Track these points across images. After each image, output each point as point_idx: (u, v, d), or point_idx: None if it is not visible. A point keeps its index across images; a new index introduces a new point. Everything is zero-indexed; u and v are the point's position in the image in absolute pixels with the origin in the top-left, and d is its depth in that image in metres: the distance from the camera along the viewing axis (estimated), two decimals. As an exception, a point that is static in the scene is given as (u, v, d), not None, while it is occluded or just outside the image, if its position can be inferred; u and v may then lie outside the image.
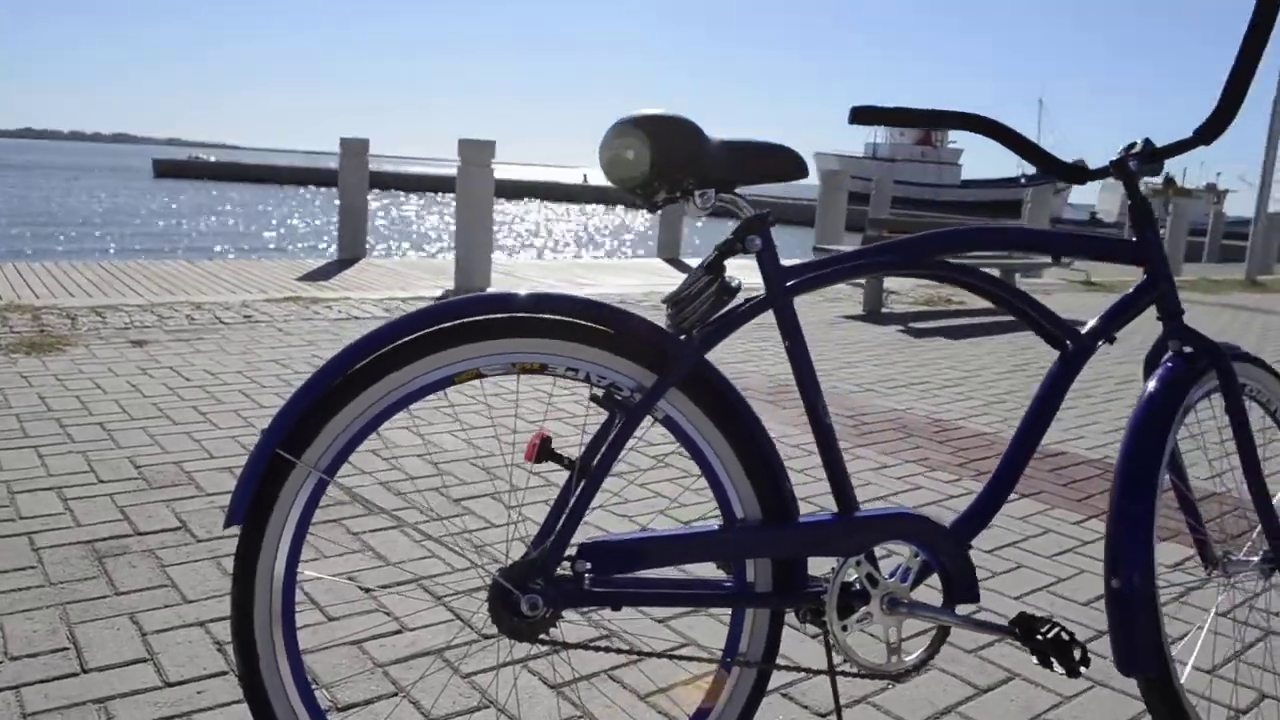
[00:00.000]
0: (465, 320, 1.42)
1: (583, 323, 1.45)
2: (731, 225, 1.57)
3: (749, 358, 5.60)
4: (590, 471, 1.45)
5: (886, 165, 53.97)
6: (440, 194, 55.02)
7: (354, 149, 9.60)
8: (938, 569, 1.59)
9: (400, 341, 1.40)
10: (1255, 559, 1.85)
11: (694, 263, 11.02)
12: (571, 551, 1.45)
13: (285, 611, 1.41)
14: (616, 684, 2.04)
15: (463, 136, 8.19)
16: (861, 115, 1.66)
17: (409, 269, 9.16)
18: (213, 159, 68.30)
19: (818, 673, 1.62)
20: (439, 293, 7.48)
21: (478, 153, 8.13)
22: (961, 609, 1.61)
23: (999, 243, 1.75)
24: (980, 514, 1.64)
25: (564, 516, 1.44)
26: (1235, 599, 2.69)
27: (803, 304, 8.15)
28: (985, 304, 9.21)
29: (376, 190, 54.68)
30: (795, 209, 41.15)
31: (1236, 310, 11.19)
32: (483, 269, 8.20)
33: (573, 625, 2.26)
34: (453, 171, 8.29)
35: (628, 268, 10.70)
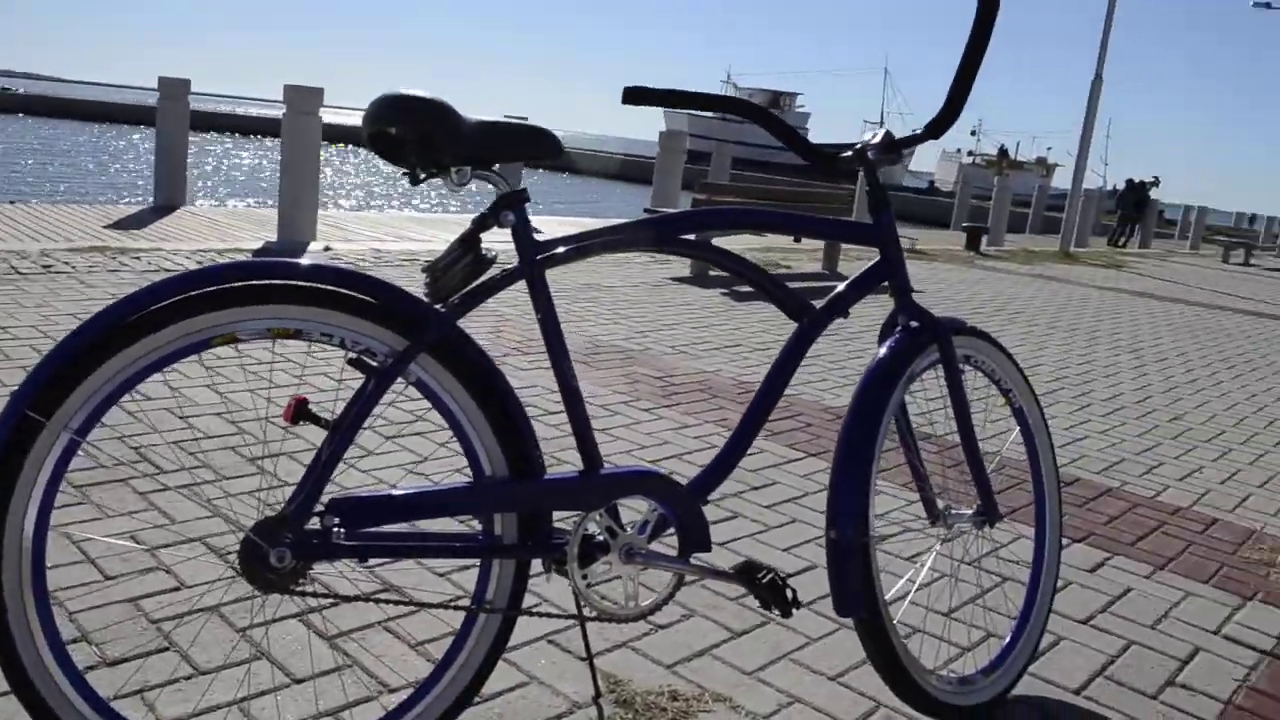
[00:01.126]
0: (224, 286, 1.47)
1: (339, 290, 1.52)
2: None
3: (570, 317, 5.71)
4: (341, 430, 1.53)
5: (734, 127, 54.65)
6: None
7: (173, 89, 9.21)
8: (674, 522, 1.73)
9: (158, 305, 1.44)
10: (969, 513, 2.07)
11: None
12: (321, 507, 1.53)
13: (35, 571, 1.44)
14: (390, 635, 2.13)
15: (288, 82, 7.99)
16: (634, 95, 1.76)
17: (230, 219, 8.90)
18: (21, 90, 63.37)
19: (568, 617, 1.74)
20: (259, 245, 7.31)
21: (304, 99, 7.94)
22: (697, 558, 1.74)
23: (745, 223, 1.89)
24: (716, 472, 1.78)
25: (314, 474, 1.52)
26: (982, 549, 2.96)
27: (634, 266, 8.30)
28: (812, 270, 9.56)
29: (214, 133, 52.24)
30: (648, 167, 41.46)
31: (1047, 280, 11.91)
32: (307, 222, 8.03)
33: (355, 581, 2.33)
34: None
35: (457, 223, 10.66)
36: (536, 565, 1.71)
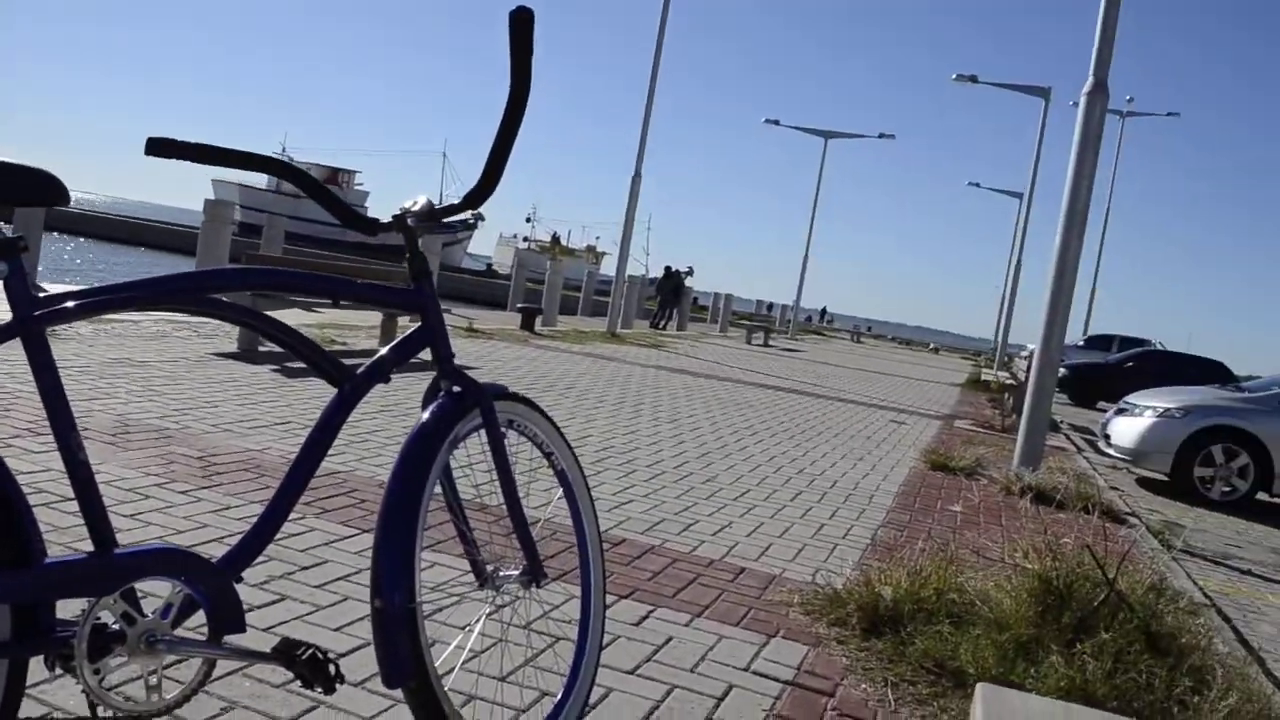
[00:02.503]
0: None
1: None
2: None
3: (96, 394, 5.17)
4: None
5: (289, 200, 52.72)
6: None
7: None
8: (203, 602, 1.59)
9: None
10: (516, 573, 2.09)
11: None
12: None
13: None
14: None
15: None
16: (158, 147, 1.63)
17: None
18: None
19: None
20: None
21: None
22: (230, 641, 1.61)
23: (276, 283, 1.81)
24: (250, 545, 1.67)
25: None
26: (534, 612, 3.01)
27: (173, 339, 7.72)
28: (369, 347, 9.42)
29: None
30: (185, 236, 39.07)
31: (596, 358, 12.62)
32: None
33: None
34: None
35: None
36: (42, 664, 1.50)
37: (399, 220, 1.91)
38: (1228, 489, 9.15)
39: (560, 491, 2.31)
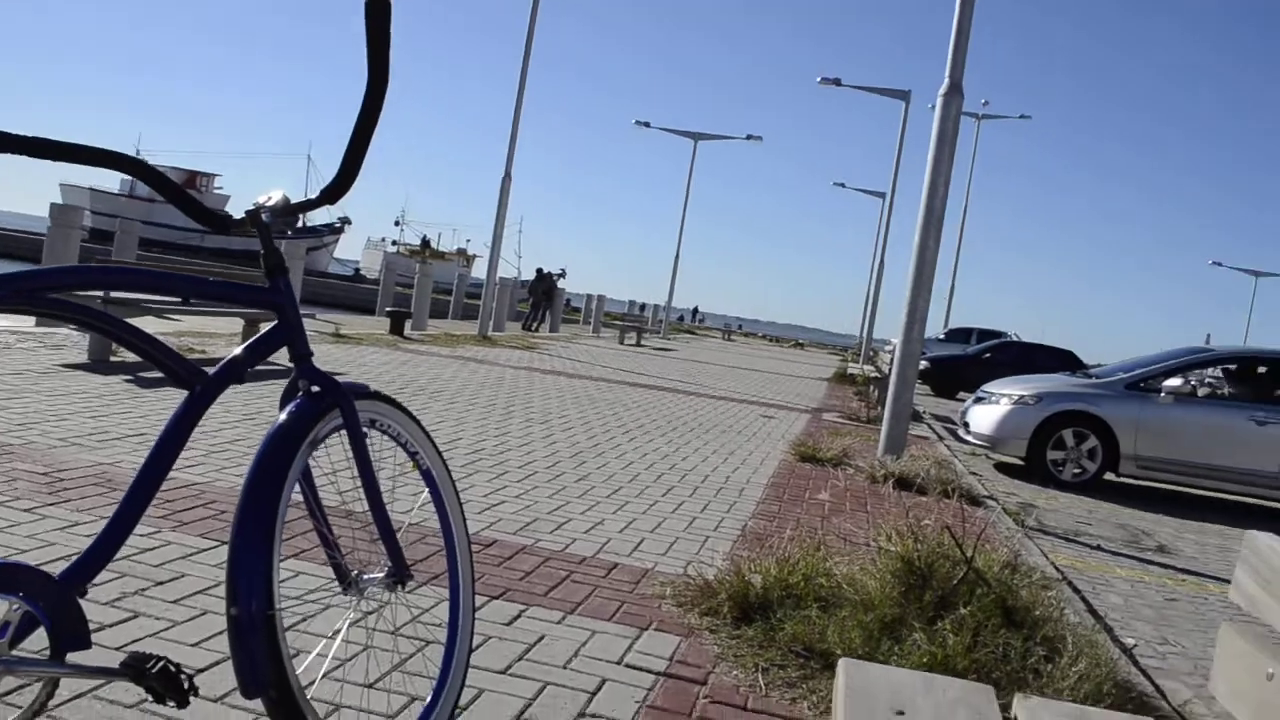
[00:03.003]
0: None
1: None
2: None
3: (-67, 414, 4.88)
4: None
5: (143, 205, 50.52)
6: None
7: None
8: (43, 619, 1.51)
9: None
10: (381, 576, 2.06)
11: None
12: None
13: None
14: None
15: None
16: (-10, 141, 1.54)
17: None
18: None
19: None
20: None
21: None
22: (74, 658, 1.54)
23: (125, 283, 1.74)
24: (95, 557, 1.60)
25: None
26: (403, 616, 2.96)
27: (16, 351, 7.33)
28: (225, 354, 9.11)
29: None
30: (29, 243, 37.10)
31: (467, 361, 12.49)
32: None
33: None
34: None
35: None
36: None
37: (252, 215, 1.85)
38: (1078, 470, 9.60)
39: (426, 492, 2.27)
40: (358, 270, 69.76)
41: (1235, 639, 1.44)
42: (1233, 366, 10.70)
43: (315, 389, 1.90)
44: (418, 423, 2.20)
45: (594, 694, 2.64)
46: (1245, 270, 55.44)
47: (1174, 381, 9.61)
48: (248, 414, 6.05)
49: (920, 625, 3.07)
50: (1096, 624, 4.10)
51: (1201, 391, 9.95)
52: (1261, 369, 10.36)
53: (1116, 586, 5.50)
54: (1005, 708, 1.70)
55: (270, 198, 1.91)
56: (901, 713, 1.46)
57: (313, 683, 2.38)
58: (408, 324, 15.83)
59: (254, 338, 1.84)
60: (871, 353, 33.92)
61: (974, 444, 10.43)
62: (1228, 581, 2.08)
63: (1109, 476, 9.67)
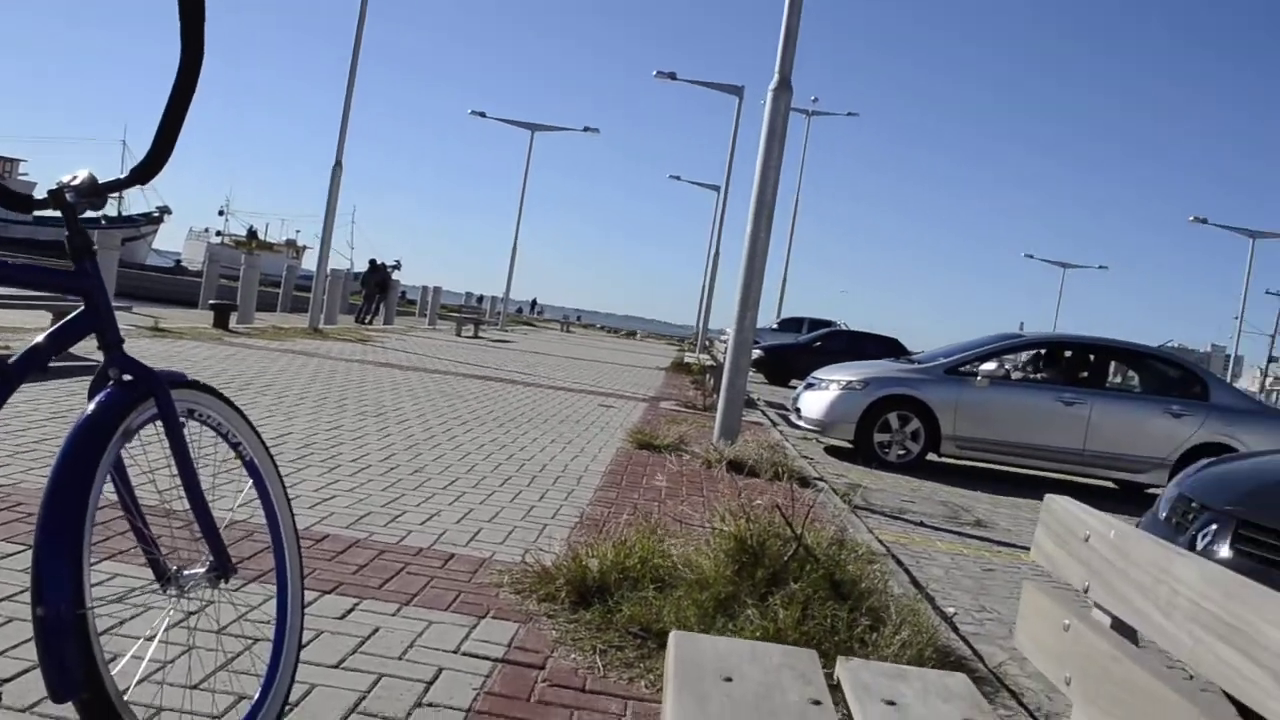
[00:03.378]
0: None
1: None
2: None
3: None
4: None
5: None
6: None
7: None
8: None
9: None
10: (202, 570, 1.98)
11: None
12: None
13: None
14: None
15: None
16: None
17: None
18: None
19: None
20: None
21: None
22: None
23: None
24: None
25: None
26: (228, 615, 2.85)
27: None
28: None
29: None
30: None
31: (297, 354, 12.12)
32: None
33: None
34: None
35: None
36: None
37: (56, 195, 1.75)
38: (903, 452, 10.02)
39: (250, 483, 2.20)
40: (179, 262, 66.56)
41: (1036, 595, 1.53)
42: (1043, 351, 11.38)
43: (127, 378, 1.81)
44: (240, 413, 2.12)
45: (431, 683, 2.61)
46: (1054, 262, 59.06)
47: (989, 366, 10.14)
48: (57, 412, 5.72)
49: (753, 601, 3.16)
50: (919, 594, 4.30)
51: (1015, 375, 10.54)
52: (1068, 353, 11.04)
53: (938, 559, 5.77)
54: (830, 675, 1.76)
55: (76, 177, 1.81)
56: (730, 679, 1.50)
57: (129, 688, 2.28)
58: (233, 317, 15.25)
59: (58, 325, 1.74)
60: (707, 342, 34.55)
61: (805, 429, 10.76)
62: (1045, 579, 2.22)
63: (931, 457, 10.13)
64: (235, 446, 2.14)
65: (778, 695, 1.44)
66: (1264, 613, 0.98)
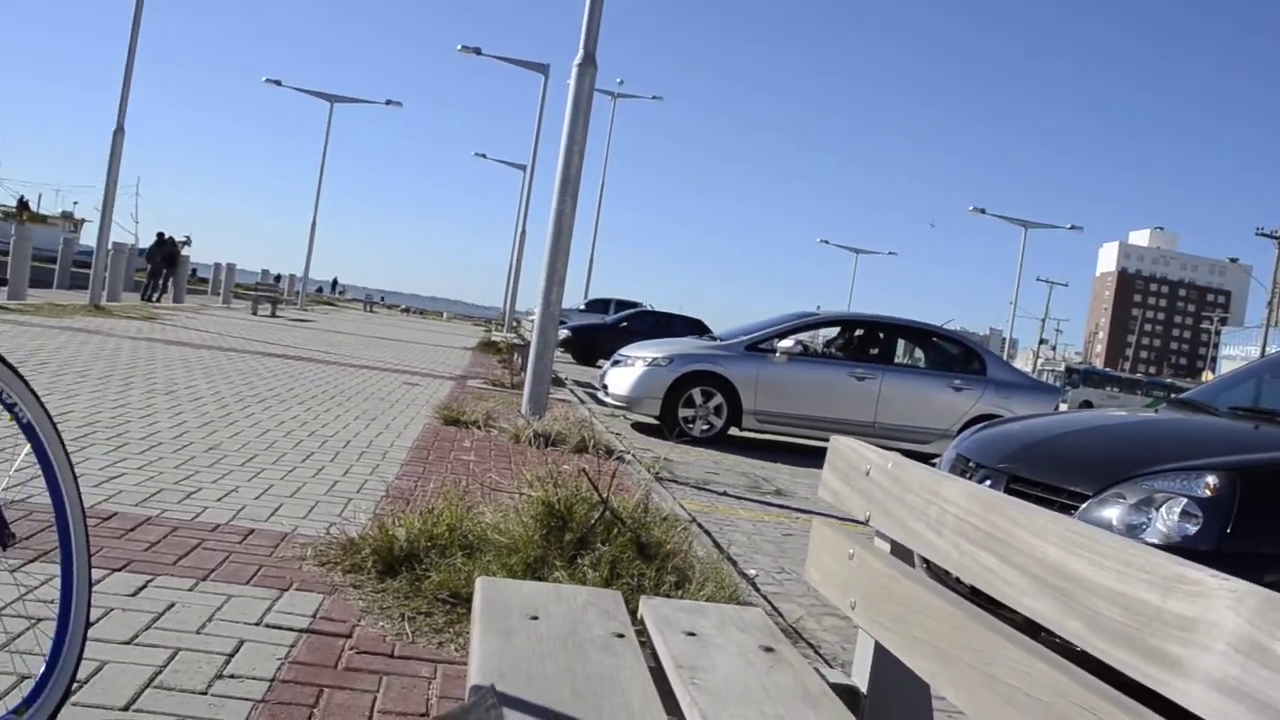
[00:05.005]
0: None
1: None
2: None
3: None
4: None
5: None
6: None
7: None
8: None
9: None
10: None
11: None
12: None
13: None
14: None
15: None
16: None
17: None
18: None
19: None
20: None
21: None
22: None
23: None
24: None
25: None
26: (6, 597, 2.69)
27: None
28: None
29: None
30: None
31: (77, 332, 11.38)
32: None
33: None
34: None
35: None
36: None
37: None
38: (706, 426, 10.30)
39: (28, 448, 2.07)
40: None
41: (823, 529, 1.63)
42: (837, 329, 11.92)
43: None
44: (16, 372, 2.00)
45: (232, 655, 2.54)
46: (848, 248, 61.79)
47: (786, 343, 10.54)
48: None
49: (562, 564, 3.21)
50: (722, 556, 4.45)
51: (811, 352, 11.00)
52: (859, 331, 11.60)
53: (741, 526, 5.98)
54: (634, 615, 1.82)
55: None
56: (535, 617, 1.53)
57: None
58: (3, 293, 14.17)
59: None
60: (515, 322, 34.43)
61: (613, 405, 10.90)
62: (834, 517, 2.35)
63: (734, 431, 10.46)
64: (10, 408, 2.02)
65: (583, 630, 1.49)
66: (1018, 521, 1.09)
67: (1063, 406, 13.46)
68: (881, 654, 1.44)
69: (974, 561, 1.16)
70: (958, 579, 1.23)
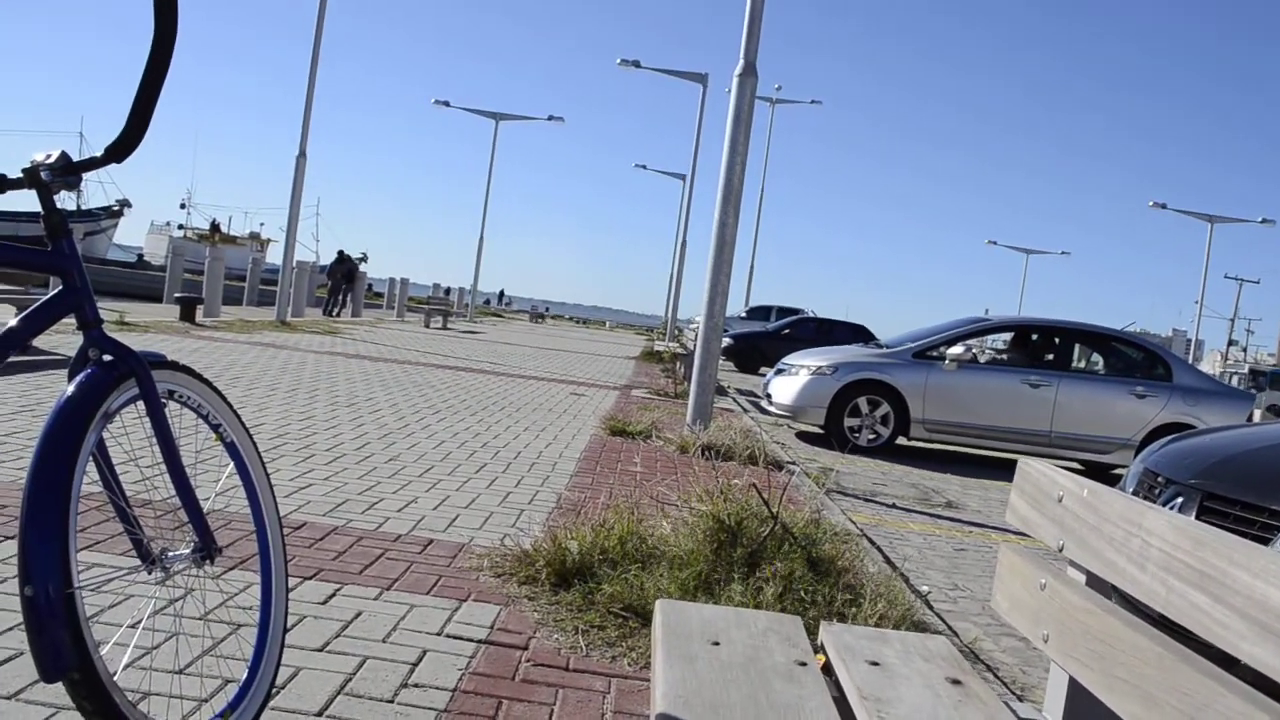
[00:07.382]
0: None
1: None
2: None
3: None
4: None
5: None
6: None
7: None
8: None
9: None
10: (187, 551, 1.98)
11: None
12: None
13: None
14: None
15: None
16: None
17: None
18: None
19: None
20: None
21: None
22: None
23: None
24: None
25: None
26: (213, 601, 2.86)
27: None
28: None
29: None
30: None
31: (266, 347, 12.04)
32: None
33: None
34: None
35: None
36: None
37: (30, 173, 1.74)
38: (873, 436, 10.11)
39: (231, 466, 2.20)
40: (141, 256, 65.81)
41: (1012, 556, 1.57)
42: (1008, 335, 11.51)
43: (107, 358, 1.81)
44: (220, 394, 2.13)
45: (415, 665, 2.63)
46: (1018, 249, 59.59)
47: (956, 350, 10.24)
48: (26, 405, 5.67)
49: (737, 578, 3.19)
50: (894, 573, 4.35)
51: (982, 358, 10.65)
52: (1034, 336, 11.16)
53: (911, 540, 5.84)
54: (814, 642, 1.79)
55: (49, 155, 1.80)
56: (717, 643, 1.53)
57: (116, 672, 2.28)
58: (199, 310, 15.12)
59: (34, 306, 1.74)
60: (677, 331, 34.60)
61: (776, 414, 10.82)
62: (1010, 531, 2.26)
63: (901, 441, 10.23)
64: (216, 428, 2.14)
65: (765, 657, 1.48)
66: (1233, 558, 1.02)
67: (1256, 415, 12.62)
68: (1077, 690, 1.37)
69: (1183, 600, 1.09)
70: (1147, 607, 1.16)
